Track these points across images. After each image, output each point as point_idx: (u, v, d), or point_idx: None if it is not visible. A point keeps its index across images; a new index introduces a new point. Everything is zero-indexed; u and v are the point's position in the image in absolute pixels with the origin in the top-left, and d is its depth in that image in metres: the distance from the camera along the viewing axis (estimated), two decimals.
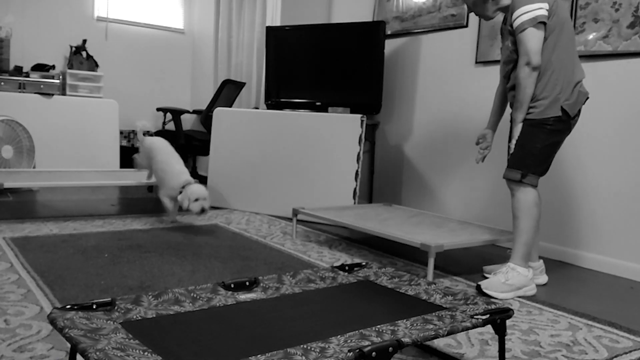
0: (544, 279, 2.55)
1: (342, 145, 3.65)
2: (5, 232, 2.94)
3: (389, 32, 4.03)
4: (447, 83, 3.71)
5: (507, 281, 2.30)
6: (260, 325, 1.36)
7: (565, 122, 2.33)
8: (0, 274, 2.20)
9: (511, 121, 2.58)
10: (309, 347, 1.18)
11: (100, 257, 2.54)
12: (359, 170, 3.60)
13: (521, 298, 2.31)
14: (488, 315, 1.44)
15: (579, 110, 2.36)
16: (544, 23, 2.24)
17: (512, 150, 2.38)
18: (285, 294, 1.60)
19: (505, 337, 1.77)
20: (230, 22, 5.36)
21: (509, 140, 2.46)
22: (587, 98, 2.38)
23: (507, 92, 2.52)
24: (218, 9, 5.43)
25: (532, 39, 2.24)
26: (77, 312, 1.29)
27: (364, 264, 1.91)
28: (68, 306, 1.30)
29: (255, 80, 5.06)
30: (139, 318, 1.34)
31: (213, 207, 4.06)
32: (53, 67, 5.04)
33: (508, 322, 1.99)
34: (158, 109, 4.91)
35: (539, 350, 1.76)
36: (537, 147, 2.32)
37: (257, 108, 4.98)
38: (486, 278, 2.42)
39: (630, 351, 1.79)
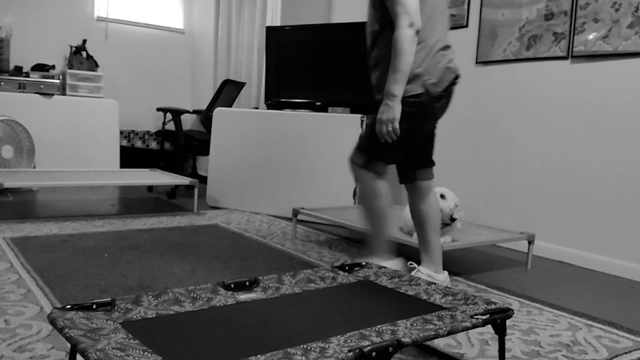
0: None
1: (342, 145, 3.64)
2: (5, 232, 2.94)
3: None
4: None
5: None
6: (260, 325, 1.36)
7: (426, 105, 1.99)
8: (0, 274, 2.21)
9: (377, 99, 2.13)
10: (309, 347, 1.18)
11: (100, 257, 2.54)
12: None
13: (521, 298, 2.30)
14: (488, 315, 1.44)
15: (449, 92, 2.04)
16: None
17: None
18: (285, 294, 1.60)
19: (505, 337, 1.77)
20: (230, 22, 5.36)
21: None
22: (458, 76, 2.06)
23: (371, 75, 2.13)
24: (218, 9, 5.43)
25: None
26: (77, 312, 1.29)
27: (364, 264, 1.91)
28: (68, 306, 1.30)
29: (255, 80, 5.06)
30: (139, 318, 1.34)
31: (213, 207, 4.06)
32: (53, 67, 5.04)
33: (508, 322, 1.99)
34: (158, 109, 4.91)
35: (539, 350, 1.76)
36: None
37: (257, 108, 4.97)
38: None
39: (630, 351, 1.79)
